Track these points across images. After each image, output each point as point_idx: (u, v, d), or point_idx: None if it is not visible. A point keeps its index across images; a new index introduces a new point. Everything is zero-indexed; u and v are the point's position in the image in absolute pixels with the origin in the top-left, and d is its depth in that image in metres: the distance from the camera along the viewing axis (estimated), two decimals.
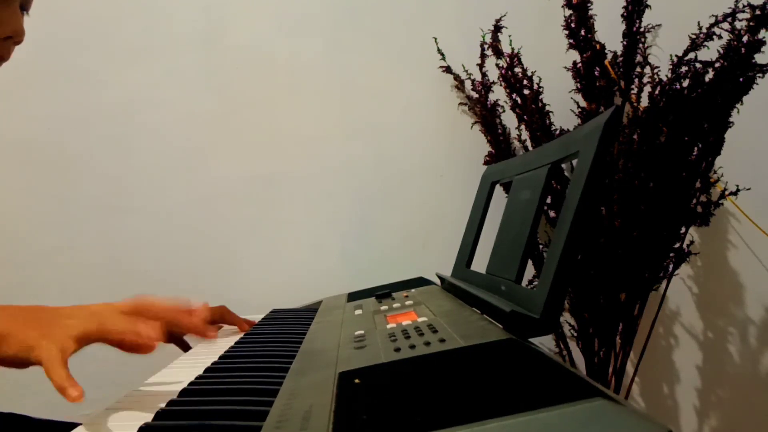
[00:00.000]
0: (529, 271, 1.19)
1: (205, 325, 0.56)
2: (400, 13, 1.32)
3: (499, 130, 1.23)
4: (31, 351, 0.51)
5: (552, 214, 1.18)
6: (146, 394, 0.58)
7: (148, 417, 0.49)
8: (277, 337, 0.82)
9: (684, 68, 1.03)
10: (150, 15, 1.32)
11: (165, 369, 0.71)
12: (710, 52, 1.01)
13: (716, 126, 1.02)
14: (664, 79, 1.05)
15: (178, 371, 0.69)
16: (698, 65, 1.02)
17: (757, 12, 0.96)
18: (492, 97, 1.22)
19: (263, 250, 1.33)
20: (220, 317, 0.95)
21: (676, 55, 1.04)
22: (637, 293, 1.10)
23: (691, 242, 1.18)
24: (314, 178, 1.33)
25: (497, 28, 1.18)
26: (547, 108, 1.14)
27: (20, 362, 0.52)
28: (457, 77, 1.29)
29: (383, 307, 0.81)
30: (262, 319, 1.02)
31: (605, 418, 0.32)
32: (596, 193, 0.51)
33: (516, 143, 1.25)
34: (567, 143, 0.61)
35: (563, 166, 1.18)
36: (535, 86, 1.14)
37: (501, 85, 1.18)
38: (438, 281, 0.97)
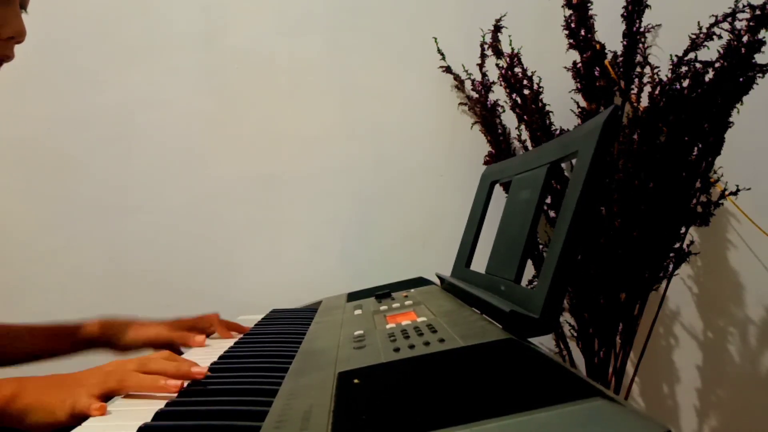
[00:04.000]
0: (529, 270, 1.19)
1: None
2: (401, 13, 1.31)
3: (499, 130, 1.23)
4: (59, 410, 0.56)
5: (552, 214, 1.18)
6: (146, 395, 0.58)
7: (147, 417, 0.49)
8: (277, 338, 0.82)
9: (684, 68, 1.03)
10: (150, 15, 1.32)
11: None
12: (710, 52, 1.01)
13: (716, 126, 1.02)
14: (664, 79, 1.05)
15: None
16: (698, 65, 1.02)
17: (757, 12, 0.96)
18: (492, 97, 1.22)
19: (263, 251, 1.33)
20: (209, 328, 0.92)
21: (676, 55, 1.04)
22: (637, 293, 1.10)
23: (691, 242, 1.18)
24: (314, 179, 1.33)
25: (497, 28, 1.18)
26: (547, 108, 1.14)
27: (51, 426, 0.57)
28: (457, 77, 1.29)
29: (383, 307, 0.81)
30: (262, 319, 1.02)
31: (604, 418, 0.32)
32: (595, 193, 0.51)
33: (516, 143, 1.25)
34: (566, 143, 0.61)
35: (563, 165, 1.18)
36: (535, 86, 1.14)
37: (501, 85, 1.18)
38: (437, 281, 0.97)
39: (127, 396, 0.58)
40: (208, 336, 0.92)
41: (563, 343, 1.22)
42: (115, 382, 0.58)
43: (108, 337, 0.88)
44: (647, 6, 1.05)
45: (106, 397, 0.57)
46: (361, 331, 0.67)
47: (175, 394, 0.57)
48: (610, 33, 1.08)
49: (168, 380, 0.57)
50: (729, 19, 0.98)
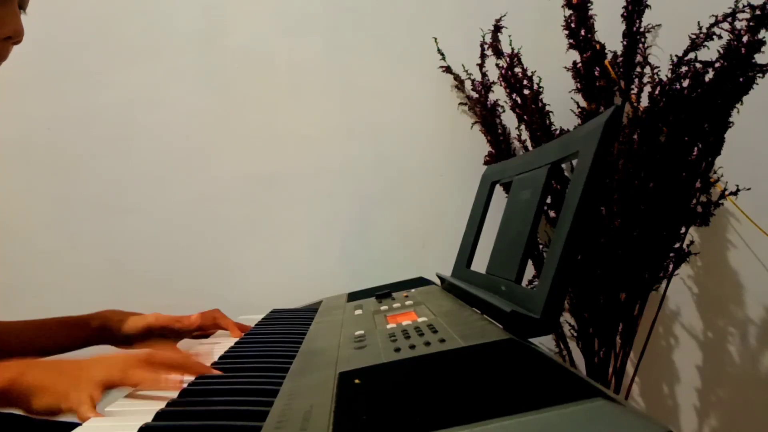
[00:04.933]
0: (530, 271, 1.19)
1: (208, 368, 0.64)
2: (401, 13, 1.31)
3: (499, 130, 1.23)
4: (63, 401, 0.57)
5: (552, 214, 1.18)
6: (146, 395, 0.58)
7: (148, 417, 0.49)
8: (277, 338, 0.82)
9: (684, 68, 1.03)
10: (150, 15, 1.32)
11: None
12: (710, 52, 1.01)
13: (716, 126, 1.02)
14: (664, 79, 1.05)
15: None
16: (698, 65, 1.02)
17: (757, 12, 0.96)
18: (492, 97, 1.22)
19: (263, 251, 1.33)
20: (212, 322, 0.94)
21: (676, 55, 1.04)
22: (637, 293, 1.10)
23: (691, 242, 1.18)
24: (314, 178, 1.33)
25: (497, 28, 1.18)
26: (547, 108, 1.14)
27: (53, 412, 0.58)
28: (457, 77, 1.29)
29: (383, 307, 0.81)
30: (262, 319, 1.02)
31: (605, 418, 0.32)
32: (596, 193, 0.51)
33: (516, 143, 1.25)
34: (567, 143, 0.61)
35: (563, 166, 1.18)
36: (535, 86, 1.14)
37: (501, 85, 1.18)
38: (438, 281, 0.97)
39: (128, 396, 0.58)
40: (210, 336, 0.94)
41: (563, 343, 1.22)
42: (119, 373, 0.59)
43: (109, 327, 0.90)
44: (647, 6, 1.05)
45: (108, 386, 0.58)
46: (361, 331, 0.67)
47: (176, 393, 0.57)
48: (610, 33, 1.08)
49: (169, 375, 0.58)
50: (729, 19, 0.98)
